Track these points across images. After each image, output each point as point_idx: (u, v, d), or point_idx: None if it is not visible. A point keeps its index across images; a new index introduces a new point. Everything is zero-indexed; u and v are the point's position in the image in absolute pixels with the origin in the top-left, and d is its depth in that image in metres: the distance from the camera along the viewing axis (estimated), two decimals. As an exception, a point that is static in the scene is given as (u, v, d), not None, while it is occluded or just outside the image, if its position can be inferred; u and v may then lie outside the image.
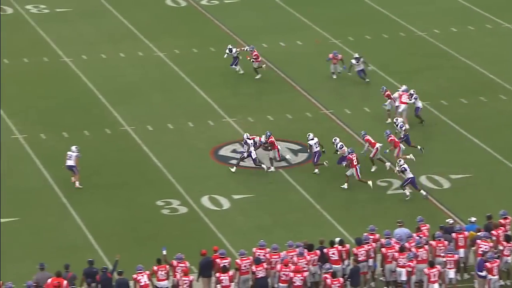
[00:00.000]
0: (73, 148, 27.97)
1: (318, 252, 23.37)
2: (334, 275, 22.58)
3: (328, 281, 22.50)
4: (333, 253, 23.26)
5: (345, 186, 27.85)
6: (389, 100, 31.41)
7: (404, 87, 31.94)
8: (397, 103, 31.44)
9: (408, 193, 27.29)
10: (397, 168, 27.38)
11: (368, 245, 23.53)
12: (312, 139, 28.83)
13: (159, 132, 31.13)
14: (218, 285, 22.45)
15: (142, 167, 29.24)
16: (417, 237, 23.50)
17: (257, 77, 34.27)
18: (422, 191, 27.32)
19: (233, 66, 34.31)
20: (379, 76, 34.65)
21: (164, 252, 22.71)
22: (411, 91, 31.24)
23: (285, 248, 23.38)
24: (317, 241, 23.68)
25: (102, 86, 34.16)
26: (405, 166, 27.24)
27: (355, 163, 27.71)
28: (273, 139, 29.08)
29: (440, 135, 31.44)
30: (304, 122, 32.05)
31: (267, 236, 24.92)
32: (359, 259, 23.32)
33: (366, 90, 33.46)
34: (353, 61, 33.69)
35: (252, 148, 28.48)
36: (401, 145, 28.84)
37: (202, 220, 26.68)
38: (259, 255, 23.09)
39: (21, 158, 29.50)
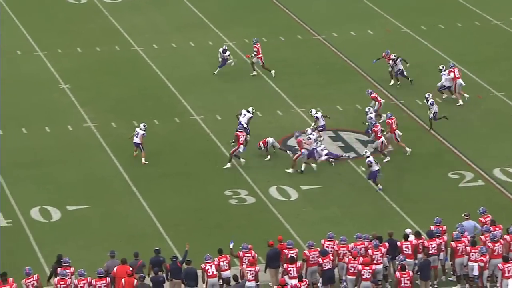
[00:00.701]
0: (141, 125, 28.61)
1: (386, 244, 23.18)
2: (403, 268, 22.36)
3: (398, 274, 22.31)
4: (406, 247, 23.02)
5: (290, 170, 27.85)
6: (374, 102, 30.46)
7: (442, 66, 31.49)
8: (447, 84, 31.08)
9: (380, 187, 26.98)
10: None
11: (439, 238, 23.22)
12: (317, 112, 29.05)
13: (228, 121, 31.25)
14: (286, 276, 22.47)
15: (210, 156, 29.41)
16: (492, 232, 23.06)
17: (253, 74, 33.26)
18: (379, 185, 26.99)
19: (220, 68, 32.92)
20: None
21: (231, 246, 22.82)
22: (426, 95, 30.40)
23: (353, 240, 23.25)
24: (386, 233, 23.49)
25: (172, 75, 34.45)
26: (371, 159, 26.92)
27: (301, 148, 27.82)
28: (239, 134, 28.29)
29: (514, 127, 30.83)
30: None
31: (335, 228, 24.83)
32: (430, 252, 23.04)
33: (438, 80, 32.93)
34: (391, 62, 32.80)
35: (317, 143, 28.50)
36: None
37: (269, 210, 26.72)
38: (327, 247, 23.03)
39: (92, 146, 29.96)
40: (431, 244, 23.11)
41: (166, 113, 31.86)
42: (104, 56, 35.80)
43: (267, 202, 27.07)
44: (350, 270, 22.63)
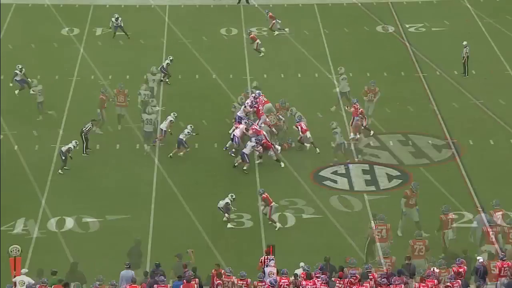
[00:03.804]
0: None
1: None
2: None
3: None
4: (494, 266, 22.32)
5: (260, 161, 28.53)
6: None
7: (340, 68, 31.13)
8: (344, 89, 30.95)
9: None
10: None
11: (530, 260, 22.50)
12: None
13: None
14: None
15: (265, 164, 29.14)
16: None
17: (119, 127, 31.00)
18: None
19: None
20: None
21: None
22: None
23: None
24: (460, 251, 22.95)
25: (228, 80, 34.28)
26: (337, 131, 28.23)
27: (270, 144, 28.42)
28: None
29: None
30: (449, 113, 31.15)
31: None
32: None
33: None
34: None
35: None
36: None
37: (330, 223, 26.30)
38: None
39: (134, 150, 29.85)
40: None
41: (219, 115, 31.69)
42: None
43: (328, 213, 26.65)
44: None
